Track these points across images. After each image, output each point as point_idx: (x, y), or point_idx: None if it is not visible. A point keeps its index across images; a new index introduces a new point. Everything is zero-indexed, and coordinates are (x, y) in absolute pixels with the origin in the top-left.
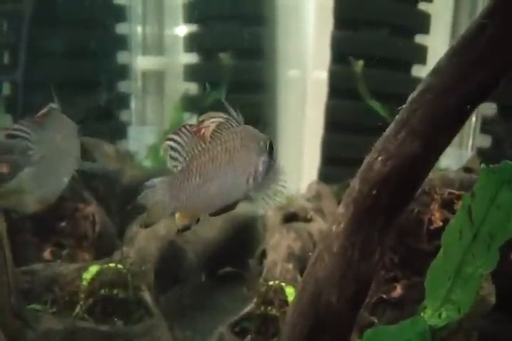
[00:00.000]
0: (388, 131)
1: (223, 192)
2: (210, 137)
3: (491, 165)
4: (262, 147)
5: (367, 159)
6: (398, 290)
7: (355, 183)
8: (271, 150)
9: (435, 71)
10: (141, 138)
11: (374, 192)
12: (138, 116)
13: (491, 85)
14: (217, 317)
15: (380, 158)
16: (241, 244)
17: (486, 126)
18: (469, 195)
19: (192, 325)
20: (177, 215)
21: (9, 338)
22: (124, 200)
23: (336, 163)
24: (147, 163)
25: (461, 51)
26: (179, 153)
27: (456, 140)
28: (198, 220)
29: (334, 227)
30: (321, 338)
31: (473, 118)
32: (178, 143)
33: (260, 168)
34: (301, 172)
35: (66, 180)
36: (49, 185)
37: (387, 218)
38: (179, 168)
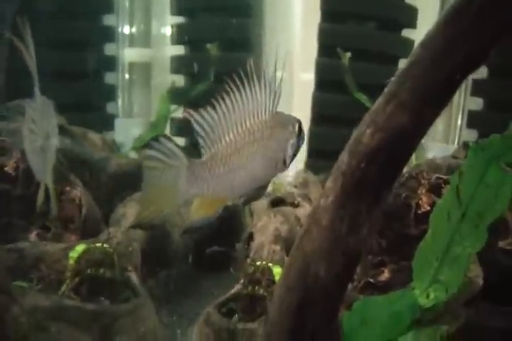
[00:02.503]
0: (376, 104)
1: (250, 180)
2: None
3: (479, 141)
4: (290, 131)
5: (355, 132)
6: (386, 275)
7: (343, 157)
8: (300, 132)
9: (423, 43)
10: (127, 130)
11: (363, 165)
12: (125, 108)
13: (480, 57)
14: (204, 303)
15: (368, 131)
16: (228, 229)
17: (472, 120)
18: (457, 174)
19: (178, 310)
20: (195, 204)
21: None
22: (110, 188)
23: (323, 155)
24: (133, 155)
25: (449, 22)
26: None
27: (442, 134)
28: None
29: (322, 201)
30: (309, 312)
31: (460, 113)
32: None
33: (289, 152)
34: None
35: (51, 156)
36: (36, 163)
37: (376, 191)
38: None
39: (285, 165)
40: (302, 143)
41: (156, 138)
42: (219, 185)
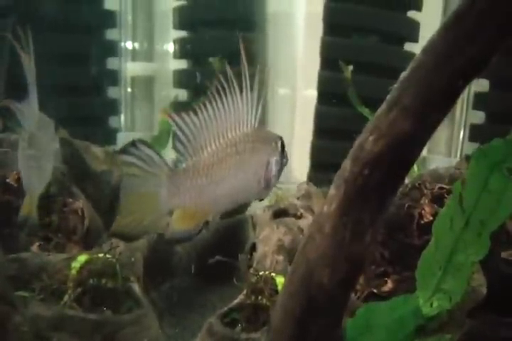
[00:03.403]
0: (379, 110)
1: (232, 195)
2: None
3: (482, 147)
4: (273, 148)
5: (358, 139)
6: (389, 285)
7: (346, 164)
8: (282, 149)
9: (426, 48)
10: None
11: (366, 171)
12: (127, 122)
13: (482, 61)
14: (207, 315)
15: (371, 138)
16: (230, 242)
17: (474, 133)
18: (460, 182)
19: (181, 323)
20: (175, 217)
21: None
22: (112, 201)
23: (325, 168)
24: None
25: (452, 27)
26: (187, 139)
27: (444, 148)
28: (205, 224)
29: (325, 208)
30: (313, 319)
31: (462, 126)
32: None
33: (272, 170)
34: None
35: (48, 174)
36: (33, 178)
37: (379, 198)
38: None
39: (269, 185)
40: (286, 162)
41: (133, 143)
42: (201, 197)
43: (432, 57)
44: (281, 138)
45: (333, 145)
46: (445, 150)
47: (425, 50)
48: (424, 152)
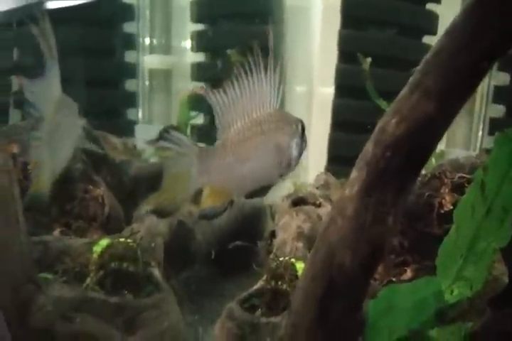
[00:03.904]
0: (401, 93)
1: (256, 174)
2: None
3: (506, 130)
4: (294, 130)
5: (380, 122)
6: (408, 274)
7: (368, 146)
8: (302, 133)
9: (449, 31)
10: (147, 136)
11: (388, 154)
12: (145, 115)
13: (505, 43)
14: (225, 304)
15: (393, 121)
16: (249, 230)
17: (493, 127)
18: (482, 168)
19: (200, 310)
20: (205, 193)
21: (21, 302)
22: (131, 191)
23: (343, 160)
24: (154, 160)
25: (474, 9)
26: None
27: (463, 142)
28: (230, 203)
29: (347, 191)
30: (334, 302)
31: (481, 120)
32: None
33: (293, 151)
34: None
35: (68, 156)
36: (53, 161)
37: (400, 181)
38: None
39: (290, 166)
40: (305, 145)
41: (165, 130)
42: (227, 176)
43: (455, 39)
44: (301, 121)
45: (351, 138)
46: (464, 144)
47: (448, 33)
48: (443, 146)
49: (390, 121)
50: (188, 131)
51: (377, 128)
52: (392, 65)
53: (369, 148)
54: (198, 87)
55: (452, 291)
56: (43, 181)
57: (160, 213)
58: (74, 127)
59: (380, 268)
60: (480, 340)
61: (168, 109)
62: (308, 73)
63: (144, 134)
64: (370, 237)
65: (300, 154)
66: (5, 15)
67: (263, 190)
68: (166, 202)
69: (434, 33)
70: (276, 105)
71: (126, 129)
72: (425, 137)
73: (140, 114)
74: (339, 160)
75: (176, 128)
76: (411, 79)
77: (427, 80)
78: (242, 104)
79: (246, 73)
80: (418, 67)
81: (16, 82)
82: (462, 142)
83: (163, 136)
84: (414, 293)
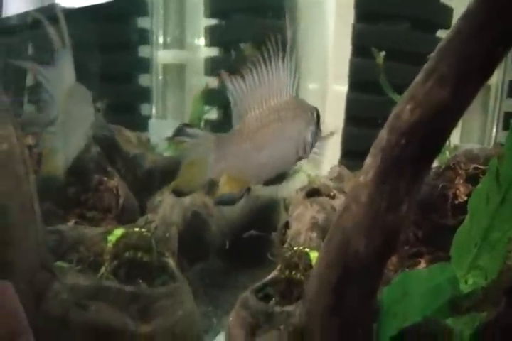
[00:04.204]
0: (416, 79)
1: (273, 162)
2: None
3: None
4: (310, 117)
5: (395, 109)
6: (422, 265)
7: (383, 133)
8: (318, 120)
9: (463, 16)
10: (161, 131)
11: (402, 141)
12: (158, 110)
13: None
14: (239, 295)
15: (408, 107)
16: (263, 223)
17: (508, 122)
18: (497, 157)
19: (213, 302)
20: (222, 180)
21: (36, 289)
22: (144, 184)
23: (356, 155)
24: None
25: None
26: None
27: (478, 137)
28: (247, 191)
29: (361, 178)
30: (349, 288)
31: (495, 115)
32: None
33: (309, 139)
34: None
35: (80, 144)
36: (65, 149)
37: (415, 168)
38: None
39: (305, 153)
40: (320, 133)
41: (180, 128)
42: (244, 163)
43: (469, 25)
44: (316, 109)
45: (365, 133)
46: (478, 139)
47: (462, 18)
48: (457, 140)
49: (404, 108)
50: (202, 125)
51: (391, 115)
52: (406, 59)
53: (383, 134)
54: (211, 81)
55: (467, 281)
56: (56, 165)
57: (178, 193)
58: (87, 115)
59: (394, 259)
60: (494, 331)
61: (182, 104)
62: (322, 70)
63: (157, 129)
64: (385, 224)
65: (315, 141)
66: (22, 17)
67: (279, 178)
68: (184, 184)
69: (448, 26)
70: (293, 93)
71: (140, 124)
72: (440, 123)
73: (154, 109)
74: (353, 155)
75: (190, 126)
76: (426, 65)
77: (441, 66)
78: (260, 91)
79: (264, 61)
80: (433, 54)
81: (29, 75)
82: (477, 137)
83: (178, 133)
84: (429, 279)
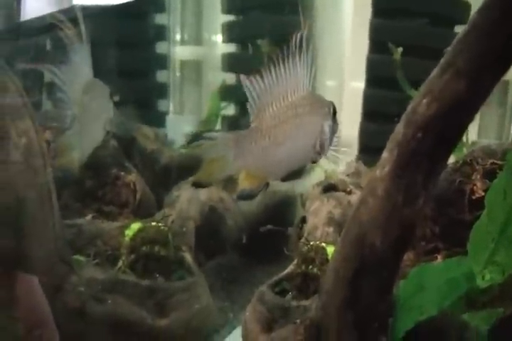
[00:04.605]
0: (433, 73)
1: (291, 157)
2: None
3: None
4: (327, 112)
5: (411, 103)
6: (439, 260)
7: (399, 127)
8: (334, 115)
9: (480, 9)
10: (178, 127)
11: (419, 135)
12: (176, 106)
13: None
14: (255, 291)
15: (424, 101)
16: (280, 218)
17: None
18: None
19: (230, 296)
20: (241, 176)
21: (54, 281)
22: (162, 179)
23: (374, 150)
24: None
25: None
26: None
27: (495, 133)
28: (266, 186)
29: (378, 171)
30: (365, 282)
31: None
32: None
33: (326, 134)
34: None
35: (97, 138)
36: (83, 143)
37: (432, 162)
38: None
39: (322, 149)
40: (337, 128)
41: (194, 134)
42: (263, 159)
43: (486, 17)
44: (333, 104)
45: (382, 129)
46: (496, 135)
47: (479, 11)
48: (474, 136)
49: (421, 102)
50: (219, 121)
51: (408, 109)
52: (424, 54)
53: (400, 128)
54: (229, 78)
55: (484, 276)
56: (70, 159)
57: (197, 185)
58: (104, 110)
59: (410, 255)
60: (511, 327)
61: (199, 100)
62: (339, 66)
63: (174, 125)
64: (401, 218)
65: (332, 136)
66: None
67: (297, 173)
68: (204, 178)
69: (466, 22)
70: (310, 88)
71: (158, 120)
72: (456, 117)
73: (171, 105)
74: (370, 150)
75: (202, 131)
76: (442, 59)
77: (458, 59)
78: (277, 87)
79: (281, 57)
80: (449, 47)
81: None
82: (494, 133)
83: (193, 140)
84: (445, 272)
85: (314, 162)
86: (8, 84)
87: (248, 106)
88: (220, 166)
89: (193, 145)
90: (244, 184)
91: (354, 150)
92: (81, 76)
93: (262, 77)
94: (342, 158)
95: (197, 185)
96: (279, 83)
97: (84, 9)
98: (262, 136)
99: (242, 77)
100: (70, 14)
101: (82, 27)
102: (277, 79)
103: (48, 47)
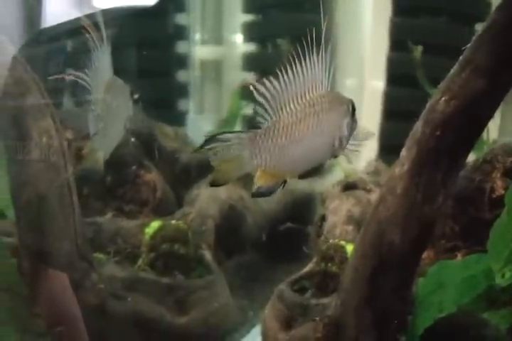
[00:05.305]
0: (452, 71)
1: (309, 155)
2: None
3: None
4: (346, 110)
5: (430, 101)
6: (459, 259)
7: (418, 125)
8: (353, 113)
9: (499, 8)
10: (199, 126)
11: (438, 133)
12: (196, 105)
13: None
14: (274, 289)
15: (443, 99)
16: (299, 216)
17: None
18: None
19: (249, 294)
20: (258, 174)
21: (75, 279)
22: (182, 178)
23: (394, 149)
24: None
25: None
26: (267, 102)
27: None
28: (283, 183)
29: (397, 169)
30: (384, 279)
31: None
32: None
33: (345, 131)
34: None
35: (118, 137)
36: (105, 142)
37: (450, 159)
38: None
39: (341, 146)
40: (356, 125)
41: (207, 139)
42: (280, 157)
43: (506, 14)
44: (352, 101)
45: (402, 128)
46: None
47: (499, 8)
48: (495, 135)
49: (439, 100)
50: (239, 120)
51: (426, 107)
52: (444, 53)
53: (418, 127)
54: (250, 77)
55: (504, 275)
56: (97, 158)
57: (214, 184)
58: (125, 108)
59: (430, 253)
60: None
61: (219, 99)
62: (359, 65)
63: (195, 124)
64: (420, 216)
65: (351, 134)
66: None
67: (315, 171)
68: (220, 178)
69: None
70: (328, 87)
71: (178, 119)
72: (475, 114)
73: (191, 104)
74: (390, 149)
75: (216, 134)
76: (461, 56)
77: (477, 57)
78: (295, 86)
79: (299, 55)
80: (469, 45)
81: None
82: (509, 131)
83: (207, 144)
84: (464, 269)
85: (335, 157)
86: (30, 84)
87: (256, 108)
88: (236, 166)
89: (204, 150)
90: (260, 182)
91: (373, 146)
92: (103, 77)
93: (277, 76)
94: (360, 154)
95: (213, 184)
96: (296, 81)
97: (107, 11)
98: (279, 134)
99: (253, 83)
100: (94, 18)
101: (103, 29)
102: (294, 77)
103: (72, 50)
